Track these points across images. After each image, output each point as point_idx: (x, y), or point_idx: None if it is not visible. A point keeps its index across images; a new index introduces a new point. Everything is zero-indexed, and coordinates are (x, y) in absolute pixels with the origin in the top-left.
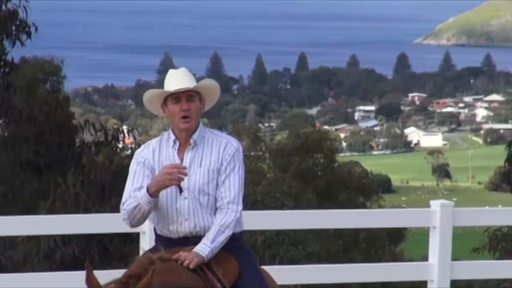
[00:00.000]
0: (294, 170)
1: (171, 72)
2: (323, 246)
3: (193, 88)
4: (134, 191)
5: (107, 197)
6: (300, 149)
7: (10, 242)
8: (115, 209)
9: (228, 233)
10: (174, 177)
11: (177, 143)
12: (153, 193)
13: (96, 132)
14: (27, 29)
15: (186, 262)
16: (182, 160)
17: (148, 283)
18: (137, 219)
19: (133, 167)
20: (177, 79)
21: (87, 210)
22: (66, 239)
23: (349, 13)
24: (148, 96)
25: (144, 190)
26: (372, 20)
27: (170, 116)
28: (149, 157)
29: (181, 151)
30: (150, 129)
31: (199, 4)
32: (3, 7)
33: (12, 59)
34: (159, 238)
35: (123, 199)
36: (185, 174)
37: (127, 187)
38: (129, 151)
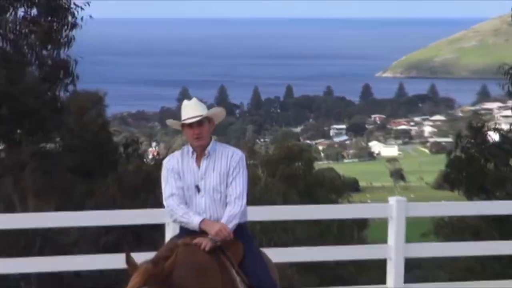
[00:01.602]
0: (281, 175)
1: (185, 103)
2: (307, 233)
3: (202, 117)
4: (177, 189)
5: (137, 196)
6: (285, 158)
7: (64, 229)
8: (144, 205)
9: (235, 222)
10: (220, 236)
11: (195, 154)
12: (199, 228)
13: (128, 146)
14: (72, 76)
15: (203, 245)
16: (199, 167)
17: (173, 262)
18: (180, 223)
19: (165, 172)
20: (189, 110)
21: (122, 206)
22: (107, 229)
23: (324, 53)
24: (170, 122)
25: (197, 222)
26: (342, 58)
27: (186, 136)
28: (175, 165)
29: (198, 160)
30: (172, 144)
31: (207, 47)
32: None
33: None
34: (182, 227)
35: (167, 194)
36: (230, 238)
37: (165, 186)
38: (153, 161)
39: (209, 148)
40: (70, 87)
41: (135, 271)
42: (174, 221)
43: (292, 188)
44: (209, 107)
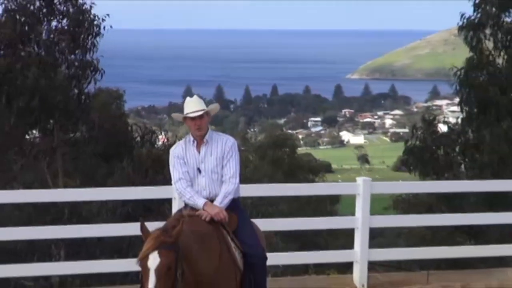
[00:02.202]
0: (268, 159)
1: (187, 99)
2: (289, 206)
3: (201, 112)
4: (183, 174)
5: (149, 176)
6: (272, 145)
7: (87, 203)
8: (154, 183)
9: (230, 197)
10: (217, 218)
11: (195, 142)
12: (203, 209)
13: (143, 135)
14: (97, 74)
15: (204, 217)
16: (199, 152)
17: (180, 230)
18: (187, 203)
19: (173, 159)
20: (192, 105)
21: (136, 184)
22: (123, 202)
23: (303, 59)
24: (175, 116)
25: (201, 205)
26: (318, 63)
27: (188, 127)
28: (180, 152)
29: (198, 147)
30: (178, 132)
31: (207, 52)
32: (83, 59)
33: (87, 92)
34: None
35: (176, 178)
36: (224, 219)
37: (173, 171)
38: (163, 146)
39: (207, 136)
40: (92, 85)
41: (148, 237)
42: (183, 201)
43: (277, 170)
44: (207, 102)
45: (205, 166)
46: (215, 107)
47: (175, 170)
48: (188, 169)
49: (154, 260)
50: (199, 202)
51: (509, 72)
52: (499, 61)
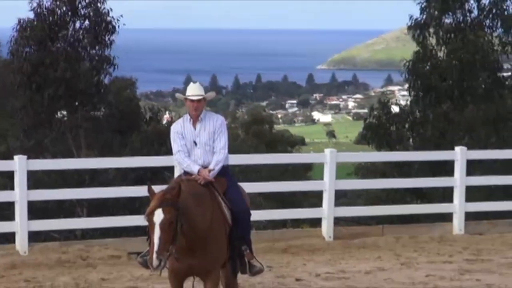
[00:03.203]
0: (253, 133)
1: (191, 84)
2: (270, 172)
3: (201, 97)
4: (182, 146)
5: (154, 148)
6: (256, 122)
7: (105, 170)
8: (159, 153)
9: (221, 165)
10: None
11: (192, 120)
12: (197, 173)
13: (152, 113)
14: (113, 67)
15: (199, 180)
16: (195, 128)
17: (179, 191)
18: (185, 170)
19: (173, 134)
20: (193, 89)
21: (144, 154)
22: (134, 169)
23: (282, 52)
24: (178, 96)
25: (196, 171)
26: (294, 56)
27: (187, 106)
28: (179, 128)
29: (194, 124)
30: (180, 112)
31: (205, 47)
32: (102, 54)
33: (104, 81)
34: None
35: (175, 150)
36: (210, 181)
37: (174, 144)
38: (167, 124)
39: (201, 115)
40: (109, 76)
41: (154, 197)
42: (181, 168)
43: (260, 142)
44: (205, 89)
45: (200, 140)
46: (211, 94)
47: (175, 143)
48: (186, 142)
49: (158, 216)
50: (195, 168)
51: (448, 63)
52: (440, 54)
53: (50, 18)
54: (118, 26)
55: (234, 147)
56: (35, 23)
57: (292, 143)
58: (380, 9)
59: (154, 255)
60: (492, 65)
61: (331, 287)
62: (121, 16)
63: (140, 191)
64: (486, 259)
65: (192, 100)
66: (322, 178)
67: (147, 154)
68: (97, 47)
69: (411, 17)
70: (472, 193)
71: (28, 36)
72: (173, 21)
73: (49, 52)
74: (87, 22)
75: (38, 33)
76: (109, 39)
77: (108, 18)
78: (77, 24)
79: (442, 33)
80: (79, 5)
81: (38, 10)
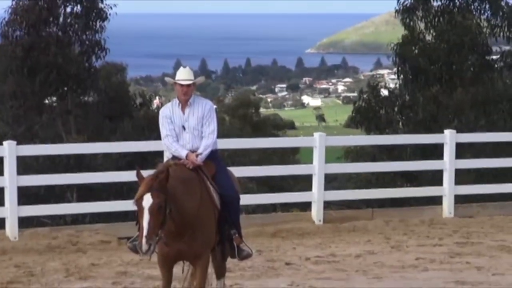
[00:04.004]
0: (240, 116)
1: (181, 68)
2: (259, 156)
3: (191, 82)
4: (170, 131)
5: (144, 133)
6: (243, 106)
7: (95, 155)
8: (149, 138)
9: (209, 149)
10: (193, 165)
11: (180, 105)
12: (185, 158)
13: (142, 99)
14: (104, 52)
15: (188, 165)
16: (184, 113)
17: (167, 176)
18: (172, 153)
19: (161, 119)
20: (183, 74)
21: (134, 139)
22: (123, 154)
23: (272, 36)
24: (167, 80)
25: (184, 155)
26: (283, 40)
27: (176, 90)
28: (168, 113)
29: (183, 108)
30: (170, 97)
31: (195, 32)
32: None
33: (96, 65)
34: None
35: (163, 134)
36: (198, 165)
37: (162, 129)
38: (157, 109)
39: (190, 100)
40: (100, 60)
41: (142, 182)
42: (170, 153)
43: (246, 125)
44: (195, 73)
45: (189, 124)
46: (201, 79)
47: (163, 127)
48: (174, 126)
49: (147, 200)
50: (183, 153)
51: (436, 46)
52: (428, 37)
53: (42, 1)
54: (110, 14)
55: (222, 132)
56: (28, 3)
57: (280, 127)
58: None
59: (144, 240)
60: (480, 48)
61: (321, 271)
62: (115, 5)
63: (129, 176)
64: (476, 242)
65: (181, 85)
66: (310, 162)
67: (137, 139)
68: (87, 32)
69: (398, 1)
70: (462, 176)
71: (21, 18)
72: (162, 5)
73: (41, 37)
74: (79, 7)
75: (31, 16)
76: (100, 25)
77: (100, 5)
78: (68, 9)
79: (430, 17)
80: None
81: None
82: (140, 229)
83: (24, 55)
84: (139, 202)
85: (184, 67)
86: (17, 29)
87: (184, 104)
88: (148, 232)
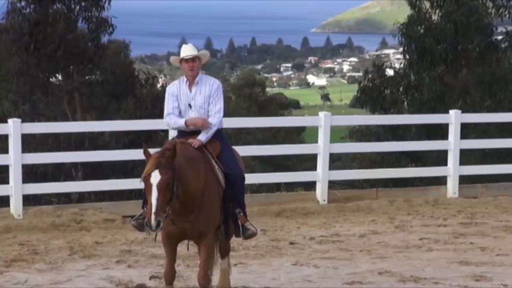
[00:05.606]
0: (246, 96)
1: (183, 46)
2: (264, 135)
3: (194, 55)
4: (173, 109)
5: (149, 111)
6: (249, 85)
7: (100, 133)
8: (154, 117)
9: (215, 128)
10: (201, 126)
11: (188, 82)
12: (187, 126)
13: (147, 77)
14: (111, 28)
15: (193, 144)
16: (191, 91)
17: (174, 153)
18: (175, 129)
19: (167, 96)
20: (187, 50)
21: (138, 118)
22: (128, 132)
23: (277, 16)
24: (172, 59)
25: (182, 122)
26: (289, 19)
27: (183, 68)
28: (174, 90)
29: (190, 86)
30: (175, 76)
31: (201, 11)
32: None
33: (103, 42)
34: (179, 131)
35: (165, 113)
36: (208, 127)
37: (166, 106)
38: (161, 87)
39: (197, 78)
40: (107, 38)
41: (150, 159)
42: (172, 129)
43: (252, 104)
44: (199, 51)
45: (195, 103)
46: (205, 53)
47: (167, 105)
48: (180, 104)
49: (155, 177)
50: (181, 122)
51: (442, 26)
52: (434, 17)
53: None
54: None
55: (228, 111)
56: None
57: (285, 106)
58: None
59: (153, 216)
60: (486, 28)
61: (325, 250)
62: None
63: (135, 154)
64: (480, 222)
65: (187, 60)
66: (315, 141)
67: (142, 117)
68: (94, 9)
69: None
70: (467, 157)
71: None
72: None
73: (48, 13)
74: None
75: None
76: (108, 2)
77: None
78: None
79: None
80: None
81: None
82: (148, 205)
83: (31, 30)
84: (147, 179)
85: (187, 44)
86: (25, 5)
87: (191, 82)
88: (157, 208)
